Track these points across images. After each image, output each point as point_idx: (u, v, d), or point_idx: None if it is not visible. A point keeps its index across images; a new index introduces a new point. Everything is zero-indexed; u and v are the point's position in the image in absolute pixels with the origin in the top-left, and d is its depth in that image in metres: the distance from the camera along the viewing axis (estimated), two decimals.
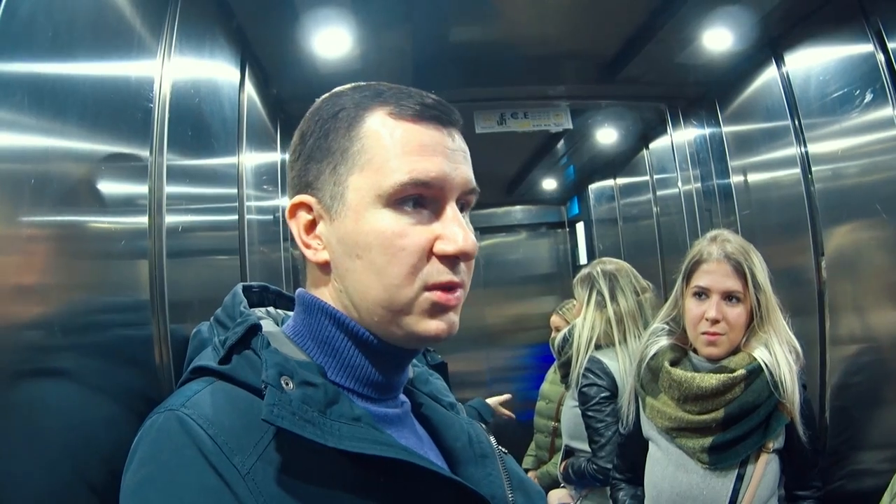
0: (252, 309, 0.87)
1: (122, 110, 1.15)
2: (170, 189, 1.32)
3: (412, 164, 0.74)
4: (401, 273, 0.74)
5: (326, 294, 0.82)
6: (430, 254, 0.75)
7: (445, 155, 0.77)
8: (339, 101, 0.81)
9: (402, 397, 0.89)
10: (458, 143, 0.80)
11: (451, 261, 0.76)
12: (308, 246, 0.81)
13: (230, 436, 0.68)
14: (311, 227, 0.81)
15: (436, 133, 0.77)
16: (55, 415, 0.86)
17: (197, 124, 1.59)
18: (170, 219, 1.31)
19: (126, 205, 1.17)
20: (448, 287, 0.76)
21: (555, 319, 3.28)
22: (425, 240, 0.75)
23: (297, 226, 0.82)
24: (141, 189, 1.23)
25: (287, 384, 0.70)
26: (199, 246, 1.62)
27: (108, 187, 1.08)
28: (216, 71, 1.86)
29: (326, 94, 0.85)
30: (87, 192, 1.01)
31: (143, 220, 1.23)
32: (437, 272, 0.75)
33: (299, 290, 0.87)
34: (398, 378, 0.85)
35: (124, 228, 1.16)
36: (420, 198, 0.76)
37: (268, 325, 0.84)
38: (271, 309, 0.95)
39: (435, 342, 0.78)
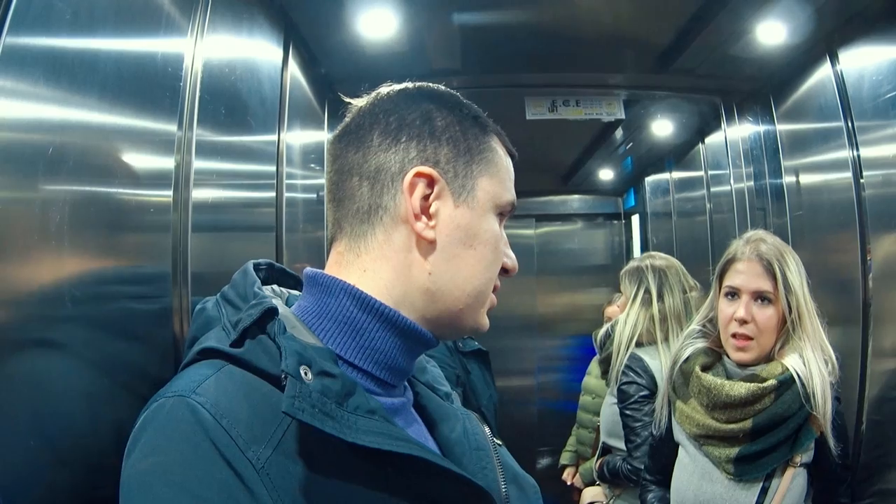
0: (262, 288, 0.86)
1: (146, 86, 1.17)
2: (200, 164, 1.34)
3: (512, 192, 0.89)
4: (496, 271, 0.87)
5: (357, 277, 0.81)
6: None
7: None
8: (461, 103, 0.89)
9: (406, 386, 0.88)
10: None
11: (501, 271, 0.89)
12: (419, 218, 0.80)
13: (244, 428, 0.66)
14: (424, 200, 0.81)
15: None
16: (71, 383, 0.89)
17: (232, 102, 1.60)
18: (200, 193, 1.34)
19: (149, 178, 1.20)
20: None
21: (611, 310, 3.22)
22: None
23: (411, 194, 0.80)
24: (167, 163, 1.26)
25: (306, 374, 0.67)
26: (231, 221, 1.65)
27: (130, 160, 1.11)
28: (255, 50, 1.87)
29: (420, 85, 0.89)
30: (105, 163, 1.03)
31: (167, 194, 1.25)
32: (497, 279, 0.88)
33: (308, 269, 0.85)
34: (412, 366, 0.87)
35: (147, 201, 1.18)
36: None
37: (280, 307, 0.81)
38: (276, 287, 0.93)
39: (479, 334, 0.90)
